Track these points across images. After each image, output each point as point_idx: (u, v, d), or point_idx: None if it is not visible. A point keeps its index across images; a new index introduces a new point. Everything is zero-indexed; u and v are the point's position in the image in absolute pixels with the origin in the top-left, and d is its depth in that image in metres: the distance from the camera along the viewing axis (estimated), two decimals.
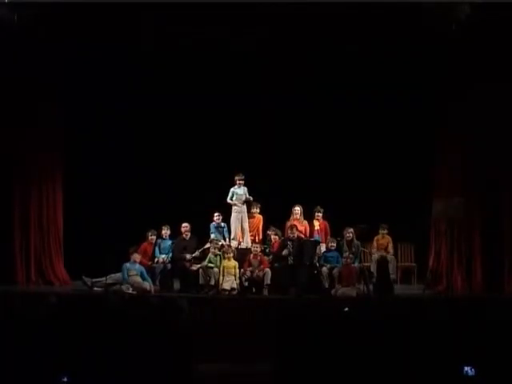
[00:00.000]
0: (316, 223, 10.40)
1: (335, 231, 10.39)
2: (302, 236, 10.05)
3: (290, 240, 9.76)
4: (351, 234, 9.97)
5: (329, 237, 10.20)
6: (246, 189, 10.24)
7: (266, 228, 10.44)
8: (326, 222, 10.43)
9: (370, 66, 10.56)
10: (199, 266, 9.50)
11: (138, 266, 9.55)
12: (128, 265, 9.51)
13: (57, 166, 10.79)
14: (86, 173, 11.03)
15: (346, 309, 5.89)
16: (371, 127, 11.15)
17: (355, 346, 5.46)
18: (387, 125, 11.02)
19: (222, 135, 11.33)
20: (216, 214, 10.28)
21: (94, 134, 11.04)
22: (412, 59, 10.11)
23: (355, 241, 9.96)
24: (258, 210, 10.48)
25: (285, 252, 9.68)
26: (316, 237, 10.29)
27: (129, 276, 9.43)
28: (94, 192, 10.99)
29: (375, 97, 10.91)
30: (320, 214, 10.40)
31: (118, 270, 9.54)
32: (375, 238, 10.37)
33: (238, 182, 10.20)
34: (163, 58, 10.42)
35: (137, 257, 9.60)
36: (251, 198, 10.21)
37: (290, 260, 9.64)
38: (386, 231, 10.31)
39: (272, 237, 10.15)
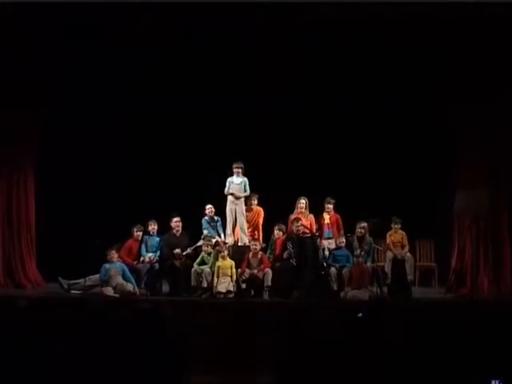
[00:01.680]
0: (326, 216, 10.40)
1: (345, 226, 10.43)
2: (307, 231, 10.03)
3: (290, 239, 9.73)
4: (364, 230, 9.94)
5: (341, 232, 10.19)
6: (245, 179, 10.18)
7: (266, 222, 10.42)
8: (337, 215, 10.44)
9: (389, 56, 10.73)
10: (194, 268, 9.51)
11: (118, 263, 9.57)
12: (107, 265, 9.52)
13: (27, 156, 10.75)
14: (62, 163, 11.08)
15: (360, 315, 5.86)
16: (387, 112, 11.20)
17: (367, 356, 5.43)
18: (406, 110, 11.06)
19: (215, 118, 11.36)
20: (208, 207, 10.29)
21: (69, 123, 11.10)
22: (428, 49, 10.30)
23: (368, 237, 9.94)
24: (256, 201, 10.44)
25: (285, 254, 9.67)
26: (326, 232, 10.29)
27: (110, 277, 9.43)
28: (70, 184, 11.04)
29: (393, 85, 11.00)
30: (331, 206, 10.40)
31: (99, 270, 9.58)
32: (387, 234, 10.37)
33: (235, 170, 10.15)
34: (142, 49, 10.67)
35: (113, 254, 9.55)
36: (247, 193, 10.17)
37: (293, 262, 9.64)
38: (399, 225, 10.30)
39: (275, 232, 10.13)
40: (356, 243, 9.92)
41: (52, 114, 10.82)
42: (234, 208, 10.15)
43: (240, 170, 10.15)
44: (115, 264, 9.51)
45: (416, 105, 10.94)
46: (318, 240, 10.01)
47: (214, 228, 10.33)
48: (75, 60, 10.60)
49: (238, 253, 9.86)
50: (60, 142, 11.05)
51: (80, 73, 10.80)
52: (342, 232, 10.20)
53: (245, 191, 10.20)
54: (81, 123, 11.14)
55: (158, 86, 11.15)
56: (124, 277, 9.49)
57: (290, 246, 9.70)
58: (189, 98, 11.29)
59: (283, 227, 10.15)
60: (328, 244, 10.18)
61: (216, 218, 10.34)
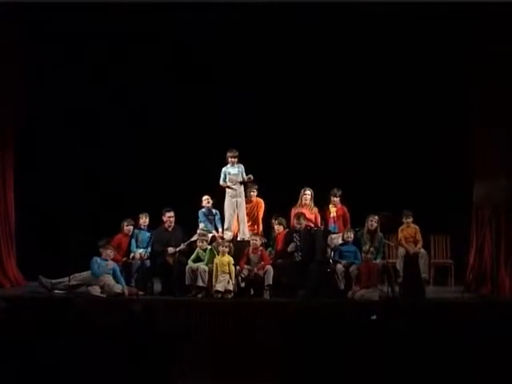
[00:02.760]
0: (332, 209, 10.37)
1: (352, 220, 10.38)
2: (312, 225, 9.99)
3: (297, 231, 9.71)
4: (375, 224, 9.91)
5: (348, 226, 10.17)
6: (241, 167, 10.12)
7: (267, 216, 10.39)
8: (344, 208, 10.40)
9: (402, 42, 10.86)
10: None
11: (110, 263, 9.54)
12: (99, 260, 9.51)
13: (5, 151, 10.81)
14: (43, 153, 11.16)
15: (374, 317, 5.84)
16: (398, 98, 11.19)
17: (377, 363, 5.42)
18: (420, 96, 11.08)
19: (210, 102, 11.36)
20: (205, 198, 10.27)
21: (49, 113, 11.24)
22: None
23: (379, 232, 9.92)
24: (255, 193, 10.40)
25: (291, 247, 9.63)
26: (331, 226, 10.26)
27: (104, 272, 9.44)
28: (53, 177, 11.06)
29: (406, 72, 11.03)
30: (337, 198, 10.36)
31: (84, 268, 9.56)
32: (399, 229, 10.34)
33: (230, 159, 10.10)
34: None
35: (110, 252, 9.57)
36: (251, 177, 10.12)
37: (298, 256, 9.60)
38: (410, 219, 10.27)
39: (275, 227, 10.09)
40: (366, 238, 9.87)
41: (32, 105, 11.00)
42: (236, 200, 10.09)
43: (235, 159, 10.09)
44: (106, 262, 9.50)
45: (430, 91, 10.97)
46: (330, 236, 9.98)
47: (212, 222, 10.30)
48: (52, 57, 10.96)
49: (237, 249, 9.81)
50: (39, 133, 11.16)
51: (60, 66, 11.07)
52: (349, 226, 10.15)
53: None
54: (62, 113, 11.28)
55: (147, 74, 11.29)
56: (114, 276, 9.47)
57: (296, 238, 9.66)
58: (179, 80, 11.36)
59: (283, 221, 10.11)
60: (333, 239, 10.13)
61: (214, 211, 10.31)
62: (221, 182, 10.14)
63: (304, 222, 9.81)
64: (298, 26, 10.80)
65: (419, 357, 5.44)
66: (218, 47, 11.16)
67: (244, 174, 10.10)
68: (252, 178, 10.12)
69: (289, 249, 9.65)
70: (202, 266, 9.45)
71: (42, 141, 11.22)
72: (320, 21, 10.71)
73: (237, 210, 10.07)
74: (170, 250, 9.82)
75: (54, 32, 10.73)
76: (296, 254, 9.63)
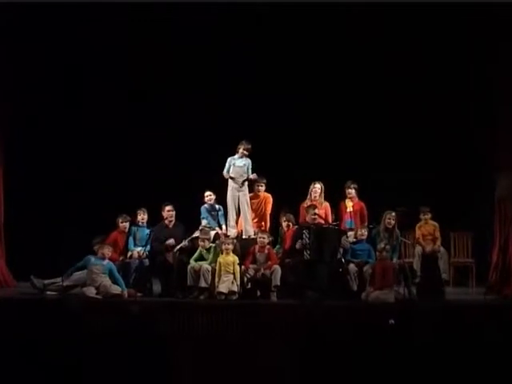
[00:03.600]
0: (349, 204, 10.35)
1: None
2: (322, 221, 9.96)
3: (306, 228, 9.67)
4: (393, 221, 9.88)
5: (366, 223, 10.15)
6: (248, 162, 10.10)
7: (275, 212, 10.37)
8: (361, 203, 10.39)
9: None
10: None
11: (106, 262, 9.54)
12: (93, 259, 9.50)
13: None
14: (33, 147, 11.21)
15: (392, 321, 5.82)
16: (417, 87, 11.20)
17: (394, 367, 5.40)
18: (441, 82, 11.11)
19: (217, 91, 11.37)
20: (207, 194, 10.25)
21: (39, 106, 11.33)
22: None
23: (396, 230, 9.90)
24: (264, 187, 10.37)
25: (298, 244, 9.60)
26: (347, 221, 10.25)
27: (93, 274, 9.39)
28: (44, 170, 11.12)
29: (426, 63, 11.10)
30: (352, 192, 10.35)
31: (78, 267, 9.54)
32: (417, 226, 10.31)
33: (241, 151, 10.05)
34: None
35: (107, 251, 9.55)
36: (255, 176, 10.09)
37: (306, 255, 9.58)
38: (428, 215, 10.23)
39: (283, 224, 10.08)
40: (382, 236, 9.83)
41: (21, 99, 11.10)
42: (237, 195, 10.07)
43: (246, 153, 10.05)
44: (102, 261, 9.47)
45: (452, 82, 10.99)
46: (345, 236, 9.95)
47: (215, 218, 10.29)
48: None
49: (242, 247, 9.80)
50: (29, 128, 11.23)
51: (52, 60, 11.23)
52: (366, 223, 10.13)
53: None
54: (52, 107, 11.37)
55: (145, 64, 11.40)
56: (111, 277, 9.46)
57: (306, 235, 9.62)
58: (181, 72, 11.46)
59: (292, 217, 10.09)
60: (347, 238, 10.10)
61: (218, 206, 10.30)
62: (224, 173, 10.14)
63: (317, 214, 9.77)
64: (307, 19, 10.87)
65: (439, 363, 5.42)
66: (222, 37, 11.22)
67: (250, 169, 10.07)
68: (256, 176, 10.10)
69: (297, 246, 9.62)
70: (205, 265, 9.43)
71: (31, 135, 11.27)
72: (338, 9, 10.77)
73: (240, 206, 10.05)
74: (171, 241, 9.80)
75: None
76: (305, 252, 9.60)
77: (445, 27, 10.74)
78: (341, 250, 9.82)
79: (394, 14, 10.69)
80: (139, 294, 9.39)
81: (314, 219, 9.75)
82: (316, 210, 9.80)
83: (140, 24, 11.09)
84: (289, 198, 10.46)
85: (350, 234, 10.09)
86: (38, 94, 11.24)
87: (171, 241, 9.83)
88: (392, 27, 10.93)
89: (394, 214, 9.90)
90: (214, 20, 11.07)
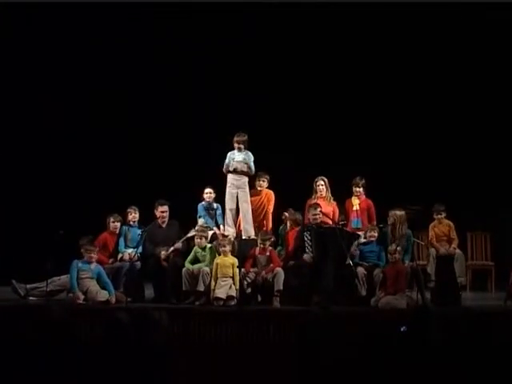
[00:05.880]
0: (355, 201, 10.34)
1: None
2: (329, 221, 9.93)
3: (309, 229, 9.64)
4: (393, 218, 9.86)
5: (374, 222, 10.13)
6: (249, 155, 10.06)
7: (278, 210, 10.35)
8: (369, 201, 10.39)
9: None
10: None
11: (94, 266, 9.54)
12: (80, 264, 9.48)
13: None
14: (16, 143, 11.60)
15: (404, 328, 5.79)
16: (436, 83, 11.56)
17: (405, 379, 5.37)
18: (461, 82, 11.43)
19: (214, 81, 11.57)
20: (207, 191, 10.30)
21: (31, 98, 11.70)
22: None
23: (407, 229, 9.87)
24: (266, 184, 10.34)
25: (307, 257, 9.56)
26: (354, 221, 10.25)
27: (80, 279, 9.37)
28: (28, 167, 11.43)
29: (448, 62, 11.50)
30: (360, 189, 10.36)
31: (64, 272, 9.56)
32: (430, 226, 10.31)
33: (235, 144, 10.04)
34: None
35: (93, 255, 9.54)
36: (252, 171, 10.08)
37: (310, 257, 9.56)
38: (442, 214, 10.20)
39: (288, 223, 10.03)
40: (391, 236, 9.81)
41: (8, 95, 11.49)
42: (236, 192, 10.05)
43: (242, 145, 10.01)
44: (89, 266, 9.52)
45: (473, 80, 11.29)
46: (358, 239, 9.94)
47: (213, 217, 10.32)
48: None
49: (242, 248, 9.79)
50: (14, 124, 11.64)
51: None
52: (375, 222, 10.10)
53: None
54: (40, 103, 11.73)
55: (139, 59, 11.82)
56: (99, 282, 9.46)
57: (307, 237, 9.61)
58: (177, 66, 11.81)
59: (298, 216, 10.06)
60: (358, 244, 10.08)
61: (216, 205, 10.31)
62: (224, 168, 10.11)
63: (319, 213, 9.74)
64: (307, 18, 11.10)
65: (454, 374, 5.40)
66: (222, 33, 11.50)
67: (251, 163, 10.01)
68: (253, 172, 10.09)
69: (305, 258, 9.58)
70: (204, 267, 9.40)
71: (15, 134, 11.58)
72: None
73: (239, 204, 10.04)
74: (163, 254, 9.77)
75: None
76: (308, 254, 9.59)
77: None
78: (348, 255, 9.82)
79: (393, 14, 11.00)
80: (129, 299, 9.39)
81: (316, 219, 9.73)
82: (318, 209, 9.78)
83: (139, 23, 11.43)
84: (294, 195, 10.48)
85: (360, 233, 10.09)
86: (25, 92, 11.46)
87: (164, 252, 9.80)
88: (392, 27, 11.27)
89: (402, 212, 9.83)
90: (213, 17, 11.32)
